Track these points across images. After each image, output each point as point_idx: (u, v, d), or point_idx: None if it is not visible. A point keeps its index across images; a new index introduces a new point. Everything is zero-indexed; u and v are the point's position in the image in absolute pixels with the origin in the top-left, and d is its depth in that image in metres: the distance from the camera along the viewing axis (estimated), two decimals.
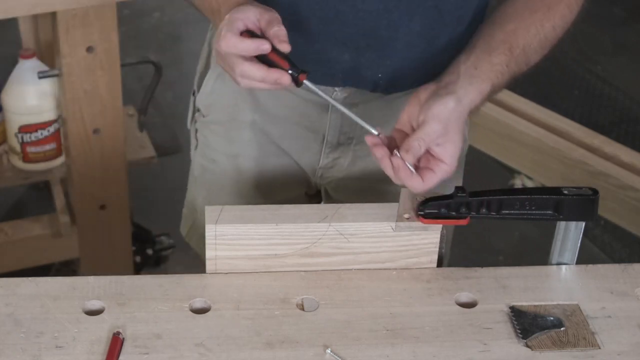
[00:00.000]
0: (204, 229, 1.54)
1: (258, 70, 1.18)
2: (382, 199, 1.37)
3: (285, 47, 1.18)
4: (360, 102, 1.39)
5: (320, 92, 1.22)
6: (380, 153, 1.19)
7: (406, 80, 1.35)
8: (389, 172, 1.19)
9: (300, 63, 1.19)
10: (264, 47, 1.17)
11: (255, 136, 1.47)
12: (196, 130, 1.54)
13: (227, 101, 1.47)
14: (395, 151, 1.18)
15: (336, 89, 1.39)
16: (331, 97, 1.39)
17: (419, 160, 1.19)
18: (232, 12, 1.20)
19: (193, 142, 1.57)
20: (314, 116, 1.43)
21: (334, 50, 1.32)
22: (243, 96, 1.45)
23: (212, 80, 1.48)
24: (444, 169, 1.19)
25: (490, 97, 1.26)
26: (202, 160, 1.55)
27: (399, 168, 1.18)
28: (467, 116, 1.22)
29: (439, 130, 1.18)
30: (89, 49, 1.97)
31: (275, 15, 1.20)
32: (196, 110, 1.53)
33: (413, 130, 1.20)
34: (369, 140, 1.21)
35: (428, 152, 1.19)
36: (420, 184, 1.18)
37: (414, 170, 1.17)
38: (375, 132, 1.20)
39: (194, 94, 1.55)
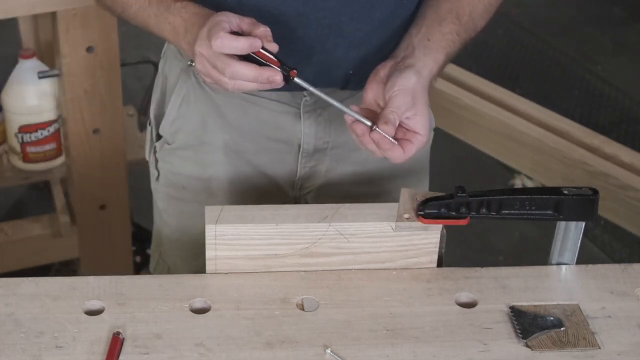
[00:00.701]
0: (171, 263, 1.53)
1: (250, 70, 1.18)
2: (363, 202, 1.37)
3: (274, 46, 1.19)
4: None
5: (312, 88, 1.22)
6: (361, 129, 1.22)
7: None
8: (370, 147, 1.23)
9: None
10: (256, 44, 1.18)
11: (227, 157, 1.44)
12: (156, 161, 1.51)
13: (194, 125, 1.44)
14: (375, 126, 1.21)
15: (305, 93, 1.39)
16: (301, 102, 1.39)
17: (395, 134, 1.22)
18: (213, 17, 1.20)
19: (154, 173, 1.53)
20: (287, 127, 1.42)
21: (302, 54, 1.31)
22: (211, 117, 1.42)
23: (177, 105, 1.44)
24: (420, 139, 1.24)
25: (445, 65, 1.30)
26: (168, 190, 1.51)
27: (379, 142, 1.21)
28: (428, 86, 1.27)
29: (408, 102, 1.22)
30: (89, 49, 1.97)
31: (254, 20, 1.21)
32: (157, 139, 1.50)
33: (380, 107, 1.24)
34: (348, 118, 1.23)
35: (401, 126, 1.23)
36: (401, 154, 1.22)
37: (395, 142, 1.21)
38: (369, 124, 1.21)
39: (149, 124, 1.52)
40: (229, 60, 1.18)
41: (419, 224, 1.20)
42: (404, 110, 1.22)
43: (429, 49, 1.27)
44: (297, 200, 1.51)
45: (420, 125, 1.23)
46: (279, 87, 1.20)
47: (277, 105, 1.40)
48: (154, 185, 1.55)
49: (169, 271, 1.55)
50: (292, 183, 1.48)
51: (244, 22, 1.20)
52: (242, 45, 1.17)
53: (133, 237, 2.37)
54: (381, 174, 1.47)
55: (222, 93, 1.40)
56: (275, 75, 1.18)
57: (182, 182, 1.49)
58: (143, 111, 2.42)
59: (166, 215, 1.54)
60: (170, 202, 1.52)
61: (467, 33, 1.32)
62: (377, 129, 1.20)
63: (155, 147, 1.51)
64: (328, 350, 1.10)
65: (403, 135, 1.23)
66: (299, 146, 1.43)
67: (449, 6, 1.31)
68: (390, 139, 1.21)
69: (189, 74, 1.42)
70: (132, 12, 1.32)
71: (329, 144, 1.43)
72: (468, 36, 1.32)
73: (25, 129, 2.22)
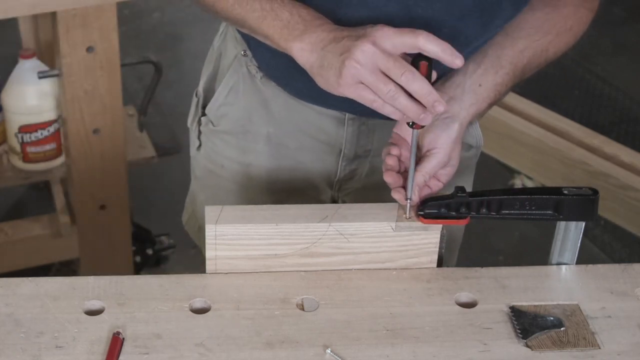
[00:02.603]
0: (202, 220, 1.54)
1: (426, 83, 1.11)
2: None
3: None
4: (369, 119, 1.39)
5: (414, 145, 1.19)
6: (393, 179, 1.22)
7: None
8: (393, 194, 1.22)
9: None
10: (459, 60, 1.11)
11: (269, 148, 1.45)
12: (200, 132, 1.52)
13: (239, 114, 1.44)
14: (409, 200, 1.20)
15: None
16: (344, 117, 1.39)
17: None
18: (382, 26, 1.12)
19: (195, 142, 1.53)
20: (330, 130, 1.42)
21: None
22: (257, 109, 1.43)
23: (225, 93, 1.45)
24: (439, 186, 1.24)
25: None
26: (207, 163, 1.53)
27: (401, 201, 1.22)
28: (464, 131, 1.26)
29: (443, 162, 1.23)
30: (89, 49, 1.97)
31: None
32: (202, 114, 1.50)
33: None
34: (387, 161, 1.23)
35: None
36: (415, 200, 1.22)
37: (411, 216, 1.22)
38: (407, 198, 1.21)
39: (196, 94, 1.53)
40: (410, 65, 1.11)
41: (419, 224, 1.20)
42: (437, 170, 1.23)
43: (477, 99, 1.25)
44: (334, 200, 1.51)
45: (447, 177, 1.24)
46: (423, 123, 1.14)
47: (323, 109, 1.40)
48: (193, 153, 1.56)
49: (199, 229, 1.56)
50: (331, 183, 1.48)
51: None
52: (451, 49, 1.10)
53: (133, 237, 2.37)
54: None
55: (271, 87, 1.40)
56: (439, 105, 1.12)
57: (221, 162, 1.50)
58: (143, 111, 2.42)
59: (202, 184, 1.56)
60: (208, 174, 1.54)
61: (514, 84, 1.30)
62: (408, 201, 1.20)
63: (200, 120, 1.51)
64: (328, 350, 1.10)
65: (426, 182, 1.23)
66: (341, 150, 1.43)
67: (511, 55, 1.27)
68: (407, 212, 1.21)
69: (242, 63, 1.42)
70: (228, 4, 1.24)
71: (370, 152, 1.43)
72: (513, 86, 1.30)
73: (25, 129, 2.22)
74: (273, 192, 1.47)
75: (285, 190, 1.47)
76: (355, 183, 1.48)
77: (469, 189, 1.50)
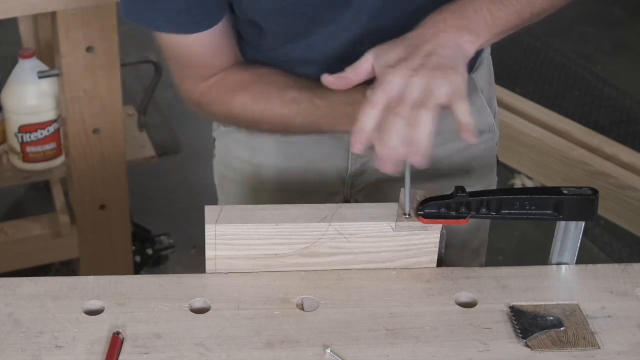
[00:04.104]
0: None
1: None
2: None
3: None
4: None
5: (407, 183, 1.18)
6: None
7: None
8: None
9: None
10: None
11: (278, 146, 1.45)
12: (214, 140, 1.54)
13: None
14: (407, 215, 1.19)
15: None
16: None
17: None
18: None
19: (214, 152, 1.57)
20: None
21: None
22: None
23: None
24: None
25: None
26: (220, 168, 1.55)
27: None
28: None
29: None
30: (89, 49, 1.98)
31: None
32: None
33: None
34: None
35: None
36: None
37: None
38: (406, 211, 1.20)
39: None
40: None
41: (419, 224, 1.20)
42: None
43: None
44: (347, 200, 1.50)
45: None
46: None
47: None
48: (214, 161, 1.59)
49: None
50: (342, 180, 1.47)
51: None
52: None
53: (133, 237, 2.37)
54: (440, 171, 1.42)
55: None
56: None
57: (233, 164, 1.52)
58: (143, 111, 2.42)
59: (220, 192, 1.59)
60: (223, 180, 1.56)
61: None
62: (406, 216, 1.19)
63: (214, 126, 1.53)
64: (328, 350, 1.10)
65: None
66: (349, 141, 1.42)
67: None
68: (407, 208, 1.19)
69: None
70: (288, 121, 1.30)
71: None
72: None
73: (25, 129, 2.23)
74: (284, 193, 1.47)
75: (297, 192, 1.47)
76: (367, 177, 1.47)
77: (492, 169, 1.49)
